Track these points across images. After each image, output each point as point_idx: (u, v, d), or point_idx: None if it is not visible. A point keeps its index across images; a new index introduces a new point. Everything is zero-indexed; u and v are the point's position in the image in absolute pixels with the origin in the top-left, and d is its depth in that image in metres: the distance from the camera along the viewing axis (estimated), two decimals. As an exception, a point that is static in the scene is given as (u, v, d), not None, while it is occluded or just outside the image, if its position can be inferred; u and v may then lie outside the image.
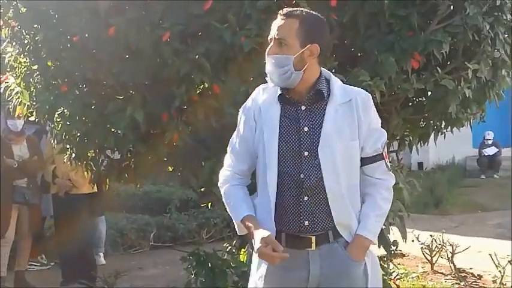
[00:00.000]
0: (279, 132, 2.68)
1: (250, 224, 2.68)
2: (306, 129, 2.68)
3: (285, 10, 2.72)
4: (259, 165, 2.75)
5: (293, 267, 2.68)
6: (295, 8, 2.75)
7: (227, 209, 2.81)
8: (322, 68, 2.79)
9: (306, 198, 2.66)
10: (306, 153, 2.66)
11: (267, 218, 2.68)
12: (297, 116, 2.70)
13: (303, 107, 2.70)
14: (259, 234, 2.58)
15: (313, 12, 2.76)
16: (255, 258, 2.79)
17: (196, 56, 3.75)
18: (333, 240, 2.69)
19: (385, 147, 2.79)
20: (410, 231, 5.20)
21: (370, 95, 2.78)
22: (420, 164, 15.31)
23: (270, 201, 2.66)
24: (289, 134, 2.69)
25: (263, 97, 2.76)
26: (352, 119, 2.69)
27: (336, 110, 2.68)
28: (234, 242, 5.16)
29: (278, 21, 2.69)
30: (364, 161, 2.74)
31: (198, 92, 4.08)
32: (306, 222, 2.67)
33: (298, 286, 2.70)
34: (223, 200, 2.82)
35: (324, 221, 2.67)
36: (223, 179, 2.83)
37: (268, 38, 2.70)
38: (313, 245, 2.68)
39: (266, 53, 2.70)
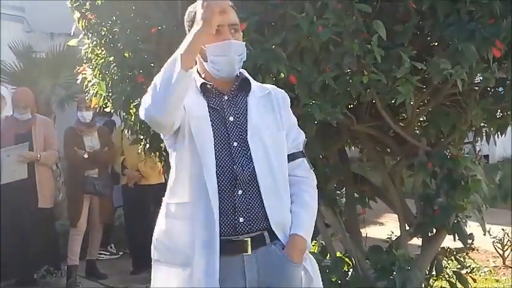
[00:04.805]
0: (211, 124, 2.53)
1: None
2: (231, 119, 2.57)
3: None
4: (184, 163, 2.53)
5: (227, 277, 2.44)
6: None
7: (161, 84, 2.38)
8: None
9: (240, 192, 2.49)
10: (235, 144, 2.53)
11: (207, 223, 2.43)
12: (221, 106, 2.59)
13: (226, 97, 2.61)
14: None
15: None
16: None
17: (273, 46, 3.73)
18: (269, 243, 2.51)
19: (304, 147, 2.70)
20: (479, 225, 5.08)
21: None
22: (486, 157, 14.98)
23: (209, 203, 2.43)
24: (217, 125, 2.55)
25: None
26: (273, 111, 2.63)
27: (257, 102, 2.62)
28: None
29: (222, 6, 2.44)
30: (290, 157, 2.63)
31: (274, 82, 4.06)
32: (241, 219, 2.48)
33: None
34: (154, 93, 2.39)
35: (260, 218, 2.49)
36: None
37: (215, 24, 2.43)
38: (249, 248, 2.47)
39: (219, 39, 2.51)
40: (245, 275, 2.48)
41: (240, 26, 2.64)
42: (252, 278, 2.48)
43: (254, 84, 2.69)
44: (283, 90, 2.77)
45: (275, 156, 2.55)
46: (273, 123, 2.61)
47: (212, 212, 2.44)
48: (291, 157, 2.62)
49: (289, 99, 2.72)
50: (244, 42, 2.64)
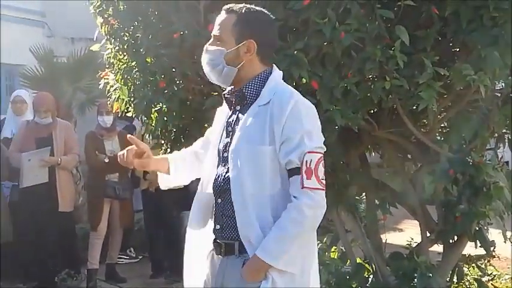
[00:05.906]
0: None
1: None
2: (229, 129, 2.65)
3: (227, 6, 2.65)
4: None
5: (207, 267, 2.72)
6: (239, 4, 2.63)
7: None
8: (274, 66, 2.68)
9: (219, 200, 2.63)
10: (226, 154, 2.62)
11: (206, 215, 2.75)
12: (230, 117, 2.70)
13: (238, 107, 2.67)
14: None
15: (257, 8, 2.67)
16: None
17: (295, 52, 3.74)
18: (237, 254, 2.57)
19: (309, 162, 2.45)
20: (500, 232, 5.04)
21: (297, 98, 2.53)
22: (506, 164, 14.88)
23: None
24: (223, 136, 2.69)
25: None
26: (264, 122, 2.52)
27: (254, 111, 2.57)
28: (325, 239, 5.14)
29: (219, 17, 2.66)
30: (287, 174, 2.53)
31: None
32: (218, 226, 2.64)
33: (206, 286, 2.72)
34: None
35: (232, 228, 2.57)
36: None
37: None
38: (223, 253, 2.62)
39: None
40: (215, 273, 2.66)
41: (224, 33, 2.61)
42: (218, 279, 2.64)
43: (266, 90, 2.59)
44: (289, 95, 2.54)
45: (248, 171, 2.51)
46: (257, 136, 2.52)
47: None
48: (289, 173, 2.51)
49: (288, 105, 2.48)
50: (220, 48, 2.60)
